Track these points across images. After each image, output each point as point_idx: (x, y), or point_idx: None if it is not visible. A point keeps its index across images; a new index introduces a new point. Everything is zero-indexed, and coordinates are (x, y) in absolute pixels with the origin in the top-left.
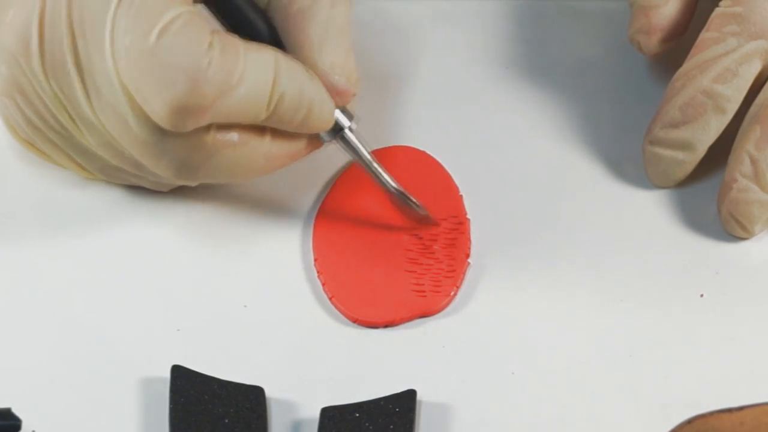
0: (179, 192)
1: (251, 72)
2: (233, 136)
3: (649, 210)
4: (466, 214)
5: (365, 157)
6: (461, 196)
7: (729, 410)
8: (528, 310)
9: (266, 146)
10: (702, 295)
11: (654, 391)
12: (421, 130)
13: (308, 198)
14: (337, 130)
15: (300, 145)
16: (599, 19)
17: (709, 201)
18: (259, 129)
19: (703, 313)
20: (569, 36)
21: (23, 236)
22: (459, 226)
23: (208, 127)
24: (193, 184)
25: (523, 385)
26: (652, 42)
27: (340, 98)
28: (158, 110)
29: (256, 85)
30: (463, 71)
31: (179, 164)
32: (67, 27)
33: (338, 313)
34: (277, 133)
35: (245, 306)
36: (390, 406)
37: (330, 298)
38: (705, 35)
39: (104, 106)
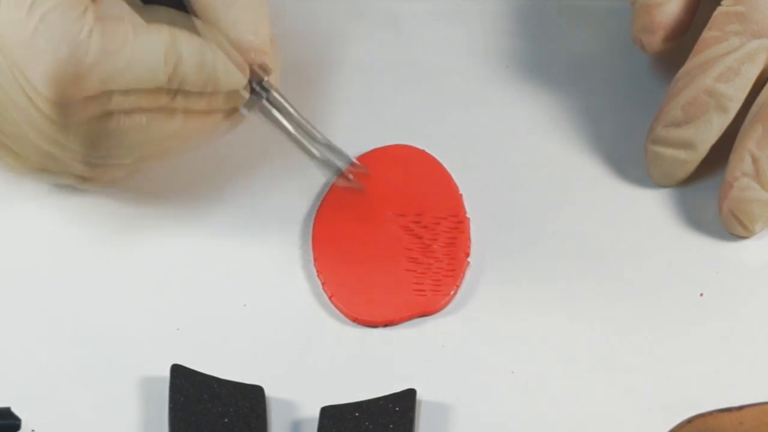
0: (179, 192)
1: (139, 35)
2: (138, 118)
3: (650, 209)
4: (465, 213)
5: (287, 125)
6: (461, 195)
7: (729, 410)
8: (528, 310)
9: (177, 124)
10: (702, 295)
11: (654, 391)
12: (421, 130)
13: (308, 197)
14: (254, 101)
15: (215, 119)
16: (600, 18)
17: (710, 200)
18: (169, 110)
19: (703, 313)
20: (570, 35)
21: (23, 237)
22: (459, 225)
23: (109, 112)
24: (108, 171)
25: (523, 384)
26: (655, 40)
27: (253, 55)
28: (39, 81)
29: (145, 47)
30: (464, 70)
31: (86, 149)
32: None
33: (338, 312)
34: (190, 111)
35: (245, 305)
36: (390, 405)
37: (329, 298)
38: (707, 34)
39: (5, 97)
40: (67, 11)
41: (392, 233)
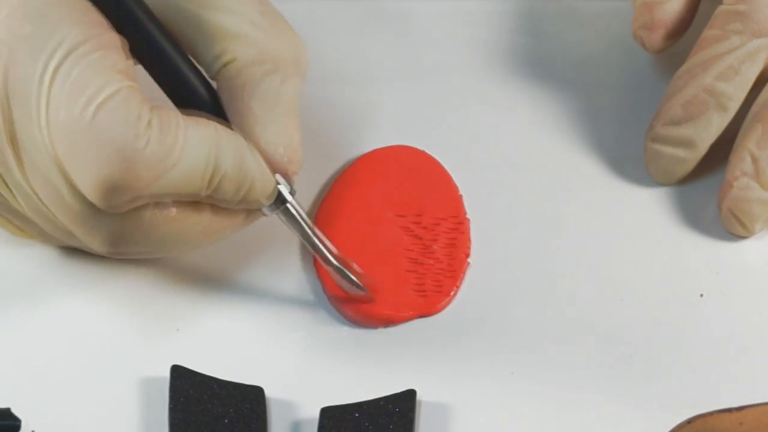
0: None
1: (190, 152)
2: (171, 211)
3: (650, 210)
4: (465, 214)
5: (307, 231)
6: (461, 196)
7: (729, 410)
8: (528, 311)
9: (205, 221)
10: (702, 295)
11: (654, 391)
12: (421, 130)
13: (308, 198)
14: (278, 204)
15: (239, 218)
16: (600, 19)
17: (709, 200)
18: (197, 204)
19: (703, 313)
20: (570, 35)
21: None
22: (459, 226)
23: (145, 205)
24: (127, 257)
25: (522, 385)
26: (656, 38)
27: (281, 173)
28: (89, 188)
29: (194, 166)
30: (464, 71)
31: (114, 239)
32: (3, 98)
33: (338, 313)
34: (217, 207)
35: (245, 306)
36: (390, 406)
37: (329, 298)
38: (708, 33)
39: (38, 177)
40: (131, 124)
41: (392, 234)
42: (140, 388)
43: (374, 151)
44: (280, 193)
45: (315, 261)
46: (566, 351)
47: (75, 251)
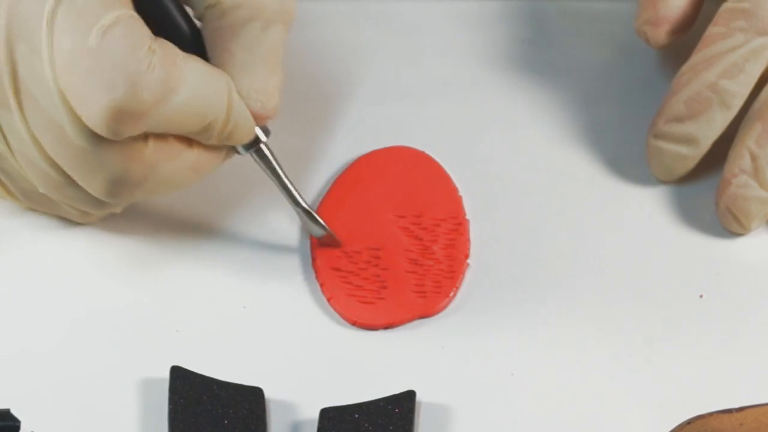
0: (180, 193)
1: (189, 79)
2: (170, 147)
3: (650, 210)
4: (465, 214)
5: (278, 171)
6: (461, 196)
7: (729, 411)
8: (527, 311)
9: (194, 157)
10: (702, 296)
11: (654, 391)
12: (421, 130)
13: (307, 198)
14: (253, 144)
15: (220, 156)
16: (600, 19)
17: (709, 200)
18: (189, 140)
19: (703, 313)
20: (570, 35)
21: (21, 236)
22: (458, 226)
23: (146, 138)
24: (118, 206)
25: (522, 385)
26: (660, 33)
27: (255, 120)
28: (95, 113)
29: (194, 94)
30: (463, 71)
31: (114, 179)
32: (7, 36)
33: (337, 314)
34: (202, 144)
35: (244, 307)
36: (389, 406)
37: (328, 300)
38: (712, 30)
39: (38, 116)
40: (136, 48)
41: (392, 234)
42: (140, 388)
43: (374, 152)
44: (255, 135)
45: (314, 262)
46: (566, 351)
47: (75, 251)
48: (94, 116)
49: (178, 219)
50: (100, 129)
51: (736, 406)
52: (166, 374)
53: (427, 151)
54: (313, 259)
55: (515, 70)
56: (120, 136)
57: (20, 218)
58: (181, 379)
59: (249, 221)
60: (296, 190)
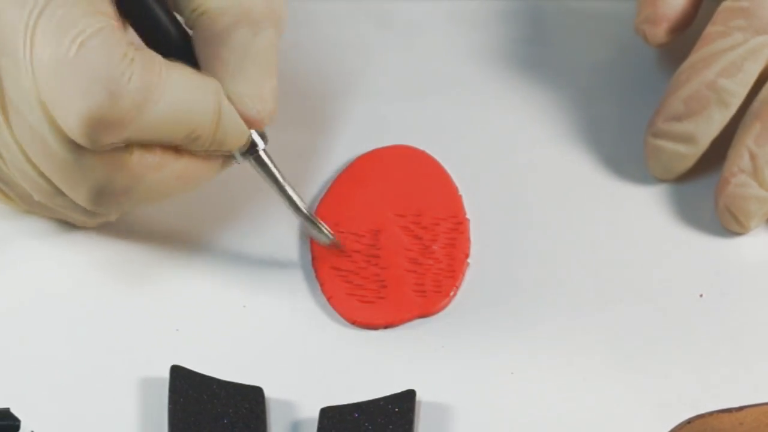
0: (179, 195)
1: (172, 89)
2: (156, 155)
3: (650, 210)
4: (465, 214)
5: (278, 178)
6: (461, 196)
7: (729, 410)
8: (527, 310)
9: (182, 167)
10: (702, 295)
11: (654, 391)
12: (421, 129)
13: (306, 198)
14: (250, 151)
15: (214, 165)
16: (599, 18)
17: (708, 199)
18: (175, 150)
19: (703, 313)
20: (569, 35)
21: (21, 235)
22: (458, 226)
23: (130, 148)
24: (109, 215)
25: (522, 385)
26: (659, 32)
27: (249, 126)
28: (72, 121)
29: (176, 104)
30: (463, 70)
31: (99, 189)
32: None
33: (337, 314)
34: (192, 154)
35: (244, 306)
36: (389, 406)
37: (328, 299)
38: (711, 29)
39: (24, 128)
40: (113, 57)
41: (392, 234)
42: (140, 388)
43: (374, 151)
44: (252, 141)
45: (313, 262)
46: (566, 351)
47: (76, 252)
48: (72, 124)
49: (178, 220)
50: (78, 137)
51: (736, 405)
52: (166, 374)
53: (428, 150)
54: (313, 259)
55: (515, 70)
56: (99, 145)
57: (20, 221)
58: (181, 379)
59: (249, 221)
60: (299, 197)
